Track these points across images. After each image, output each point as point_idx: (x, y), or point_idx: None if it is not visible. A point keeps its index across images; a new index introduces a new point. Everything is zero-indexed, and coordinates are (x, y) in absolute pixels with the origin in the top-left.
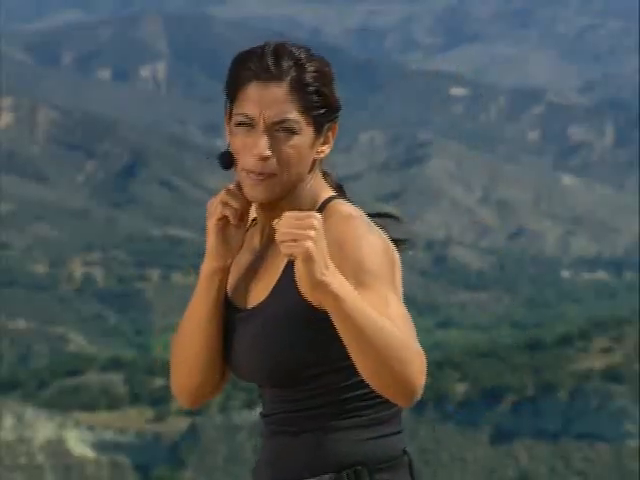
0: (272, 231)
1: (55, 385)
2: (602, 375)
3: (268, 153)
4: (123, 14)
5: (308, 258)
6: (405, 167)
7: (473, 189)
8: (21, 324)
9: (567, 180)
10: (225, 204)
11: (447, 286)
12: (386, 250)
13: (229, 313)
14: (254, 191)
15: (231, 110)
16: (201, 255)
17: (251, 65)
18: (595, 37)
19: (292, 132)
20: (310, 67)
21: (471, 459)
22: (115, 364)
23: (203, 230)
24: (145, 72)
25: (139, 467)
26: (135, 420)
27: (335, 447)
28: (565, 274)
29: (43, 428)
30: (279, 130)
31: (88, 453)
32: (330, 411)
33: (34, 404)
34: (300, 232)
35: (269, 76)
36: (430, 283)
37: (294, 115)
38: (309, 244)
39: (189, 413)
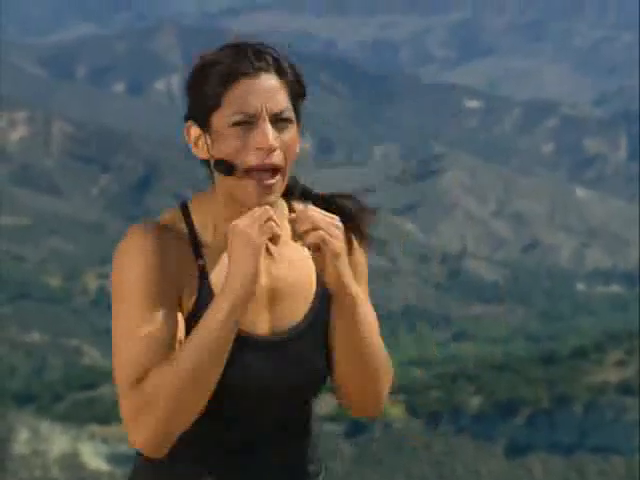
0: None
1: (69, 398)
2: (617, 388)
3: (276, 144)
4: (137, 28)
5: (339, 256)
6: (419, 180)
7: (487, 202)
8: (35, 337)
9: (581, 193)
10: (277, 224)
11: (461, 299)
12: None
13: (251, 340)
14: (262, 191)
15: (208, 118)
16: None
17: (234, 63)
18: (609, 50)
19: (289, 121)
20: (282, 57)
21: (485, 472)
22: None
23: None
24: (160, 85)
25: None
26: None
27: (314, 466)
28: (580, 287)
29: (58, 441)
30: (278, 121)
31: (103, 466)
32: (308, 432)
33: (48, 417)
34: (334, 229)
35: (258, 69)
36: (444, 296)
37: (288, 104)
38: (341, 243)
39: None
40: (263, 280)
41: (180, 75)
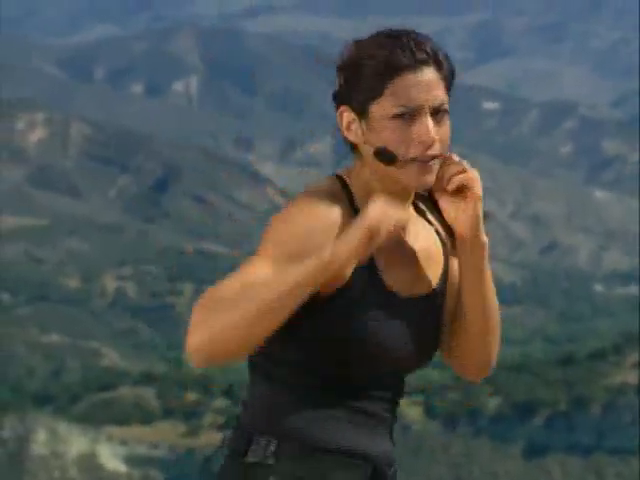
0: (422, 218)
1: (88, 399)
2: (635, 389)
3: (436, 137)
4: (156, 29)
5: (480, 199)
6: None
7: (506, 203)
8: (54, 338)
9: (600, 194)
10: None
11: None
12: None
13: (385, 299)
14: (423, 178)
15: (366, 107)
16: (232, 269)
17: (397, 55)
18: (628, 51)
19: (446, 112)
20: (439, 48)
21: (503, 473)
22: (147, 378)
23: (234, 244)
24: (178, 87)
25: None
26: (168, 434)
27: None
28: (598, 288)
29: (76, 442)
30: (438, 112)
31: (121, 468)
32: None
33: (67, 419)
34: (477, 175)
35: (420, 62)
36: None
37: (445, 96)
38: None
39: (222, 427)
40: (404, 244)
41: (198, 76)
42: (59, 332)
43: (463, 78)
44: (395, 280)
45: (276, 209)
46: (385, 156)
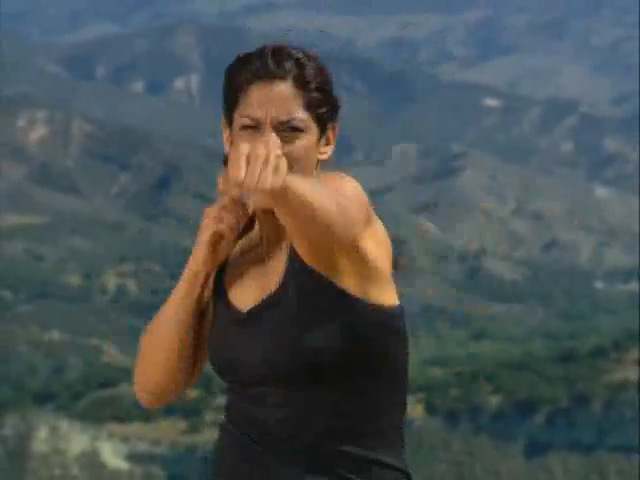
0: (272, 235)
1: (89, 397)
2: (636, 386)
3: (278, 152)
4: (157, 27)
5: (235, 187)
6: (438, 179)
7: (506, 201)
8: (55, 336)
9: (601, 192)
10: (221, 220)
11: (480, 298)
12: (365, 196)
13: (229, 315)
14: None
15: (230, 117)
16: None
17: (251, 67)
18: (629, 49)
19: (299, 130)
20: (310, 65)
21: (504, 471)
22: None
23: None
24: (179, 84)
25: (173, 479)
26: (169, 432)
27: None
28: (599, 285)
29: (77, 440)
30: (286, 129)
31: (122, 465)
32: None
33: (68, 416)
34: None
35: (272, 75)
36: (463, 295)
37: (300, 113)
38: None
39: None
40: (244, 260)
41: (200, 74)
42: (60, 330)
43: (464, 76)
44: (237, 294)
45: None
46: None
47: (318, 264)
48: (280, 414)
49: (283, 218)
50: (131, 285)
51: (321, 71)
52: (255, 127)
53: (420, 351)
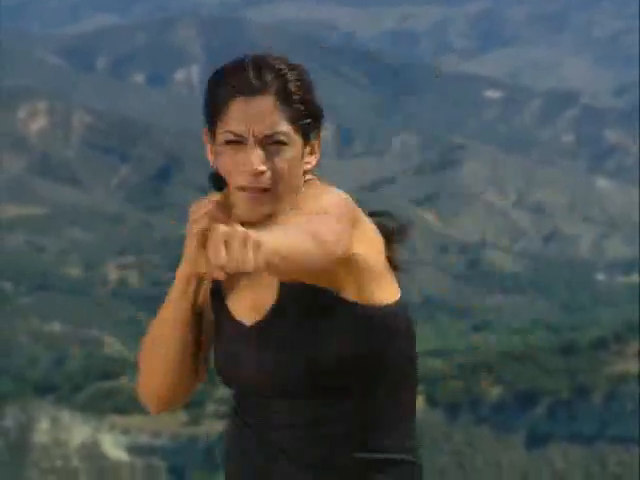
0: None
1: (90, 388)
2: (637, 378)
3: (262, 168)
4: (157, 18)
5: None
6: (439, 170)
7: (507, 192)
8: (56, 327)
9: (602, 183)
10: (212, 217)
11: (481, 289)
12: (346, 203)
13: (232, 327)
14: (251, 209)
15: (213, 130)
16: None
17: (232, 81)
18: (630, 40)
19: (283, 144)
20: (292, 76)
21: (505, 462)
22: None
23: None
24: (180, 76)
25: (174, 470)
26: (170, 423)
27: None
28: (600, 277)
29: (78, 431)
30: (270, 143)
31: (123, 456)
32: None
33: (69, 408)
34: (191, 220)
35: (253, 90)
36: (464, 286)
37: (283, 127)
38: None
39: (224, 416)
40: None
41: (200, 66)
42: (61, 321)
43: (465, 68)
44: (238, 307)
45: None
46: (214, 182)
47: (317, 282)
48: (292, 423)
49: (272, 274)
50: (132, 277)
51: (304, 81)
52: (238, 142)
53: (420, 343)
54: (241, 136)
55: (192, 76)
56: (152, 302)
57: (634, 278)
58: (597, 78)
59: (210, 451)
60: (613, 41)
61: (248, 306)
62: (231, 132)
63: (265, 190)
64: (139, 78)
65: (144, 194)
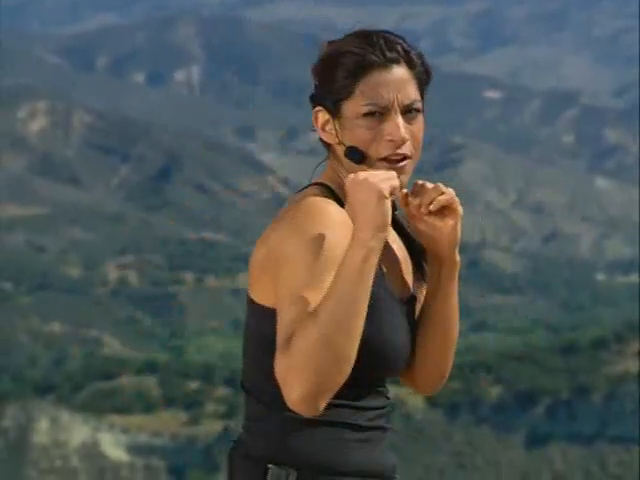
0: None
1: (89, 388)
2: (637, 378)
3: (407, 136)
4: (157, 17)
5: (461, 217)
6: (439, 170)
7: (507, 192)
8: (56, 327)
9: (602, 183)
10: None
11: (481, 289)
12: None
13: (392, 301)
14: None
15: (339, 106)
16: (234, 259)
17: (367, 54)
18: (630, 40)
19: (418, 111)
20: (408, 46)
21: (505, 462)
22: (149, 367)
23: (236, 233)
24: (179, 75)
25: (173, 470)
26: (169, 423)
27: None
28: (600, 277)
29: (78, 431)
30: (410, 111)
31: (122, 456)
32: None
33: (69, 407)
34: (458, 201)
35: (390, 60)
36: (464, 286)
37: (417, 95)
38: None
39: (223, 416)
40: (391, 249)
41: (200, 65)
42: (61, 321)
43: (464, 67)
44: (392, 283)
45: (277, 198)
46: (355, 155)
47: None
48: (386, 406)
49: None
50: (131, 276)
51: (419, 52)
52: (379, 112)
53: None
54: (384, 107)
55: (192, 75)
56: (152, 302)
57: (634, 278)
58: (597, 77)
59: (209, 451)
60: (613, 40)
61: (399, 283)
62: (374, 104)
63: (406, 158)
64: (139, 77)
65: (144, 194)
